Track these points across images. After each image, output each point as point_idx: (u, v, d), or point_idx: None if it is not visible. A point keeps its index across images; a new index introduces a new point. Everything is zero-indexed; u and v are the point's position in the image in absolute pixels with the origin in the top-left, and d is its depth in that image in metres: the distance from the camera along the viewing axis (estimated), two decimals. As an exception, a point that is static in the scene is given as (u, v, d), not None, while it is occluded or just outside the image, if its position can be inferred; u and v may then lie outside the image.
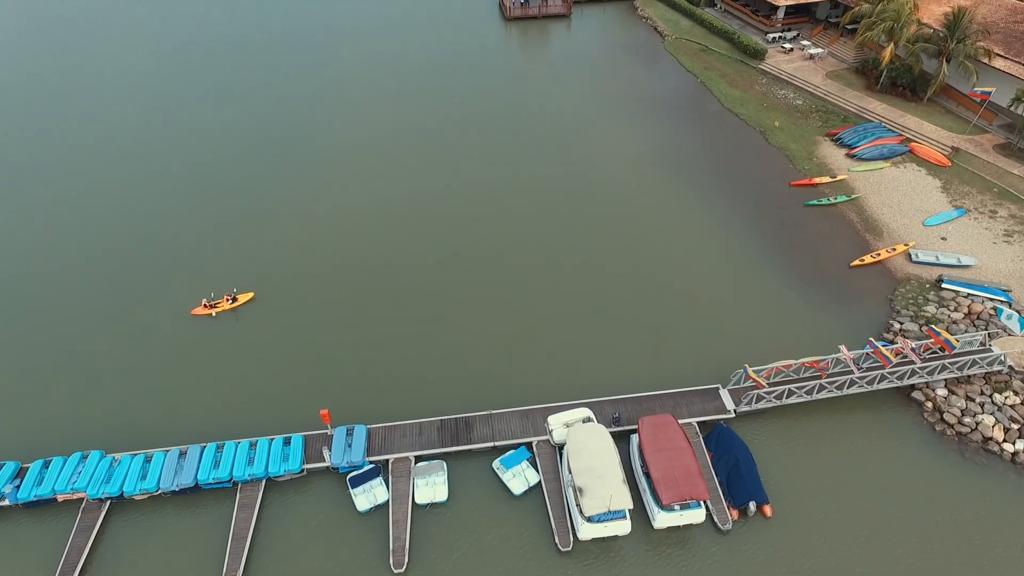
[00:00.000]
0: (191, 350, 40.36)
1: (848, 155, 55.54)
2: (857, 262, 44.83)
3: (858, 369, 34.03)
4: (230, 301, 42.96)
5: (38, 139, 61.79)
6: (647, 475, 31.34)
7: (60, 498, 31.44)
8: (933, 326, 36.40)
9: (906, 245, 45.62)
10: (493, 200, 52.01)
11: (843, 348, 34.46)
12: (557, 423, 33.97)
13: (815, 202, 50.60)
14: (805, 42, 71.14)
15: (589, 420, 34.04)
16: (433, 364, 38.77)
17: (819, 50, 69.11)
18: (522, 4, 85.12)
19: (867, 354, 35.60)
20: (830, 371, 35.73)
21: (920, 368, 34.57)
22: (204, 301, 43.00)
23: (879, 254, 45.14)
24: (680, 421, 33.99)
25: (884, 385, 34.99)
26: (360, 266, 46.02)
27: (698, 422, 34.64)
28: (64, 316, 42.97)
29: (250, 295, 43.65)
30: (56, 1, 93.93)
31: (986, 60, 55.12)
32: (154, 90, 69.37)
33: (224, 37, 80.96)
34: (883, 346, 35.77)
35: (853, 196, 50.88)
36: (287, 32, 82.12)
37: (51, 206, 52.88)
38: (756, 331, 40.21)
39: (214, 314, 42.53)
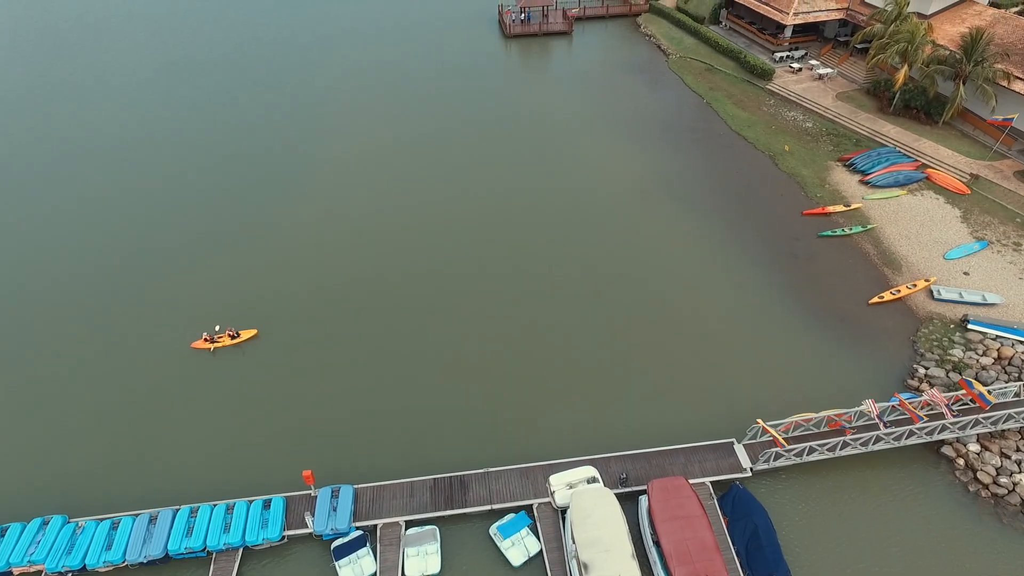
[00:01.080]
0: (175, 394, 37.88)
1: (862, 182, 53.22)
2: (876, 299, 42.38)
3: (884, 426, 31.46)
4: (232, 337, 40.66)
5: (30, 153, 59.59)
6: (657, 544, 28.77)
7: (16, 571, 28.82)
8: (967, 378, 33.67)
9: (927, 281, 43.17)
10: (492, 233, 49.45)
11: (870, 403, 31.84)
12: (559, 484, 31.40)
13: (829, 233, 48.19)
14: (814, 62, 69.08)
15: (594, 480, 31.49)
16: (427, 414, 36.20)
17: (828, 70, 67.01)
18: (522, 21, 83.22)
19: (893, 406, 33.12)
20: (853, 423, 33.27)
21: (951, 423, 32.03)
22: (205, 335, 40.72)
23: (899, 291, 42.70)
24: (692, 482, 31.47)
25: (912, 441, 32.44)
26: (357, 300, 43.60)
27: (712, 482, 32.09)
28: (40, 346, 40.60)
29: (253, 332, 41.29)
30: (35, 18, 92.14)
31: (1005, 83, 52.94)
32: (147, 108, 67.16)
33: (215, 55, 78.84)
34: (910, 399, 33.32)
35: (869, 226, 48.49)
36: (281, 49, 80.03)
37: (35, 222, 50.68)
38: (771, 377, 37.69)
39: (212, 350, 40.26)
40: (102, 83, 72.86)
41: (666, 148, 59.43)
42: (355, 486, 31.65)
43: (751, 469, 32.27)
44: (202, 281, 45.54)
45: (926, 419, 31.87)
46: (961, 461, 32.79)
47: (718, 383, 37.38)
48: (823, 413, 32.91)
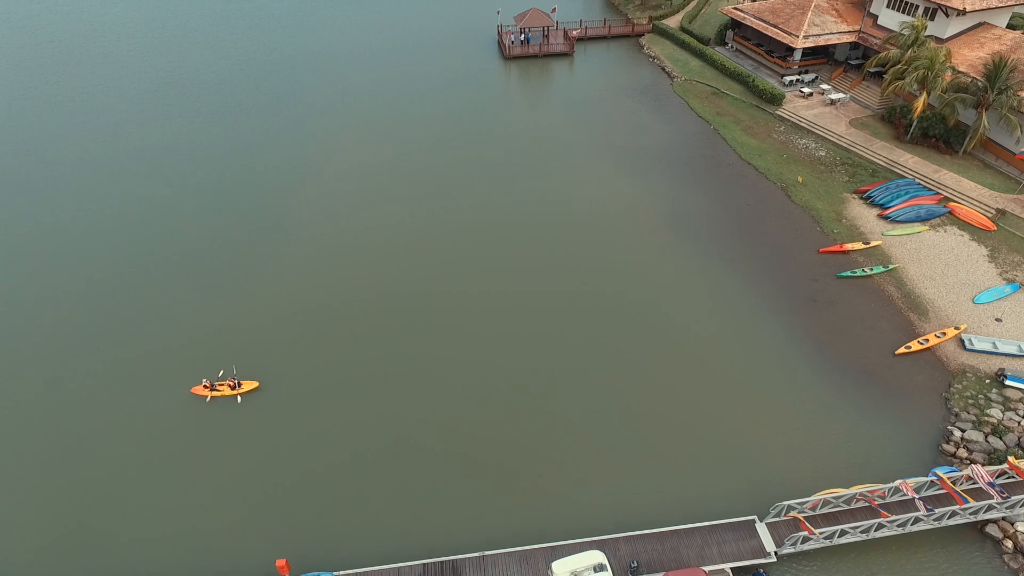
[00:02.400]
0: (151, 451, 34.61)
1: (881, 216, 50.33)
2: (903, 350, 39.29)
3: (924, 507, 28.25)
4: (232, 387, 37.67)
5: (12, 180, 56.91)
6: (673, 646, 25.57)
7: None
8: (1013, 459, 30.21)
9: (957, 329, 40.11)
10: (487, 277, 46.33)
11: (905, 485, 28.59)
12: (563, 571, 28.17)
13: (849, 273, 45.23)
14: (825, 86, 66.45)
15: (602, 568, 28.23)
16: (418, 487, 32.96)
17: (841, 95, 64.36)
18: (522, 42, 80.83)
19: (931, 481, 29.95)
20: (887, 499, 30.10)
21: (998, 503, 28.86)
22: (205, 381, 37.87)
23: (927, 340, 39.61)
24: (709, 569, 28.26)
25: (955, 521, 29.26)
26: (360, 350, 40.48)
27: (733, 568, 28.87)
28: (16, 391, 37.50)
29: (255, 384, 38.15)
30: (17, 39, 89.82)
31: (1031, 113, 50.30)
32: (137, 133, 64.37)
33: (207, 77, 76.30)
34: (950, 472, 30.19)
35: (890, 266, 45.50)
36: (273, 71, 77.60)
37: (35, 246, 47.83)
38: (794, 441, 34.50)
39: (209, 398, 37.39)
40: (88, 106, 70.24)
41: (672, 178, 56.60)
42: (334, 574, 28.43)
43: (776, 553, 29.06)
44: (208, 319, 42.65)
45: (970, 500, 28.65)
46: (1009, 543, 29.57)
47: (735, 450, 34.16)
48: (853, 490, 29.73)
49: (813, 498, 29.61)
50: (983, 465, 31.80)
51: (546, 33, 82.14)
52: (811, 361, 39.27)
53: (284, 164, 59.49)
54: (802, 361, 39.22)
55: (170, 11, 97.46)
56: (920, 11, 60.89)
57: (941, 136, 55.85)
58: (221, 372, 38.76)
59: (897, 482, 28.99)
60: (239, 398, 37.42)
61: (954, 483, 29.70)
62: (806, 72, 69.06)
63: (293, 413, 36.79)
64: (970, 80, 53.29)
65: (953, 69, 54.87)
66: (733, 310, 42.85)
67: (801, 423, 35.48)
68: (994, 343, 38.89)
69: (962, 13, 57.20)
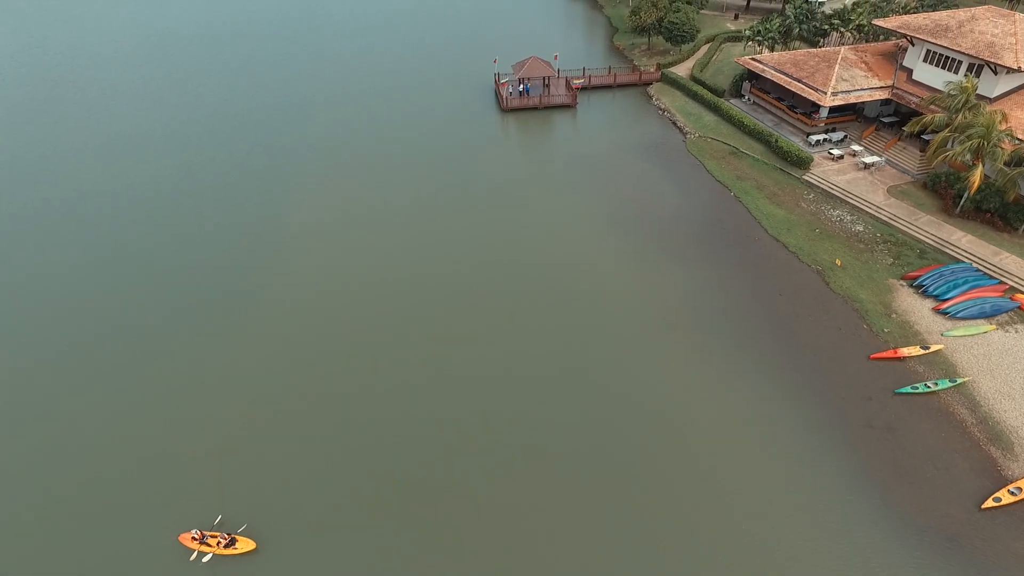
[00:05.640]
0: None
1: (936, 310, 43.04)
2: (990, 503, 31.53)
3: None
4: (225, 544, 30.24)
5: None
6: None
7: None
8: None
9: (1053, 471, 32.58)
10: (480, 385, 38.88)
11: None
12: None
13: (909, 389, 37.68)
14: (856, 147, 59.77)
15: None
16: None
17: (875, 158, 57.62)
18: (520, 93, 74.72)
19: None
20: None
21: None
22: (196, 532, 30.57)
23: (1020, 488, 31.93)
24: None
25: None
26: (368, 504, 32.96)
27: None
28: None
29: (251, 545, 30.43)
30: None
31: (1108, 190, 43.41)
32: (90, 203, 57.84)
33: (181, 124, 70.09)
34: None
35: (958, 380, 37.98)
36: (251, 119, 71.36)
37: None
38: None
39: (195, 555, 30.03)
40: (39, 163, 63.80)
41: (688, 256, 49.44)
42: None
43: None
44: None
45: None
46: None
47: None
48: None
49: None
50: None
51: (547, 83, 76.13)
52: (875, 513, 31.47)
53: (256, 228, 52.52)
54: (865, 512, 31.37)
55: (150, 51, 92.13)
56: (964, 67, 54.59)
57: (997, 211, 48.89)
58: (219, 518, 31.43)
59: None
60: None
61: None
62: (833, 130, 62.51)
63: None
64: (1034, 150, 46.54)
65: (1011, 135, 48.15)
66: (773, 442, 35.05)
67: (872, 615, 27.70)
68: (1104, 494, 31.27)
69: (1015, 71, 50.81)
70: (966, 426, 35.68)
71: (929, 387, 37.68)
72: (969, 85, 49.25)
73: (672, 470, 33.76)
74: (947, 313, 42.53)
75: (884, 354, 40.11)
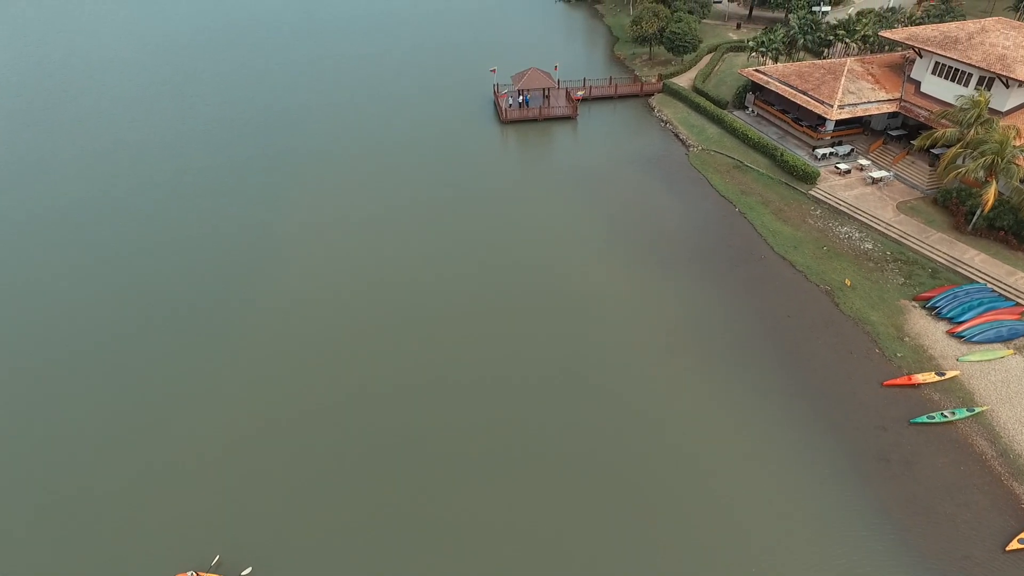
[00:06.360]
0: None
1: (950, 333, 41.39)
2: (1016, 544, 29.78)
3: None
4: None
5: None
6: None
7: None
8: None
9: (1080, 509, 30.83)
10: (475, 416, 37.25)
11: None
12: None
13: (925, 419, 35.96)
14: (864, 161, 58.24)
15: None
16: None
17: (883, 173, 56.10)
18: (520, 105, 73.36)
19: None
20: None
21: None
22: (193, 573, 29.05)
23: (1046, 528, 30.29)
24: None
25: None
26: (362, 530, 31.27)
27: None
28: None
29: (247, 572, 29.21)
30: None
31: None
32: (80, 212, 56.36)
33: (176, 138, 68.70)
34: None
35: (976, 409, 36.25)
36: (247, 129, 70.01)
37: None
38: None
39: None
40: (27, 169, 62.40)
41: (692, 274, 47.82)
42: None
43: None
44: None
45: None
46: None
47: None
48: None
49: None
50: None
51: (547, 94, 74.80)
52: (894, 556, 29.71)
53: (253, 236, 50.95)
54: (884, 557, 29.59)
55: (146, 58, 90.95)
56: (974, 80, 53.18)
57: (1012, 228, 47.30)
58: (217, 558, 29.72)
59: None
60: None
61: None
62: (840, 143, 61.09)
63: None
64: (1050, 168, 45.00)
65: (1025, 152, 46.65)
66: (781, 474, 33.32)
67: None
68: None
69: (1027, 85, 49.43)
70: (986, 459, 33.92)
71: (946, 416, 35.93)
72: (982, 99, 47.81)
73: (680, 506, 31.96)
74: (962, 336, 40.83)
75: (898, 380, 38.40)
